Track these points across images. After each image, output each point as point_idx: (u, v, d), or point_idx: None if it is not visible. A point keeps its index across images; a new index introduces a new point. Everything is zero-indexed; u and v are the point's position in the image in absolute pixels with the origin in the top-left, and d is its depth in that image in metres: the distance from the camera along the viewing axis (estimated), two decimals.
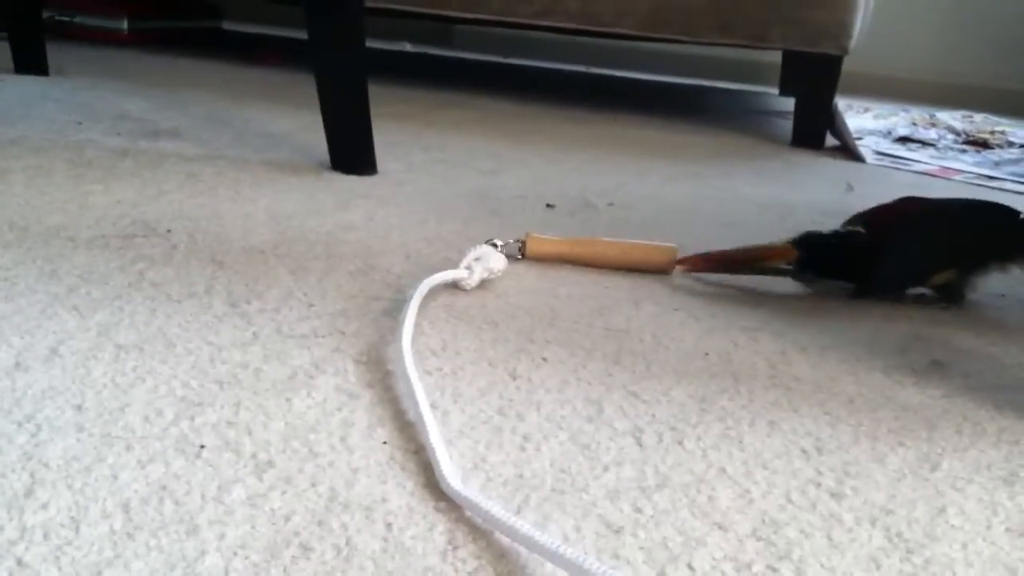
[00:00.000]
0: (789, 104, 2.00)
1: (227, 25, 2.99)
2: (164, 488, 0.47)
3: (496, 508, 0.46)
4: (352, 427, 0.55)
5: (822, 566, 0.46)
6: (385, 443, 0.54)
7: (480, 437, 0.56)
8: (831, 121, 1.87)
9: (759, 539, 0.48)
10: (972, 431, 0.62)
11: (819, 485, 0.54)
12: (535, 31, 2.08)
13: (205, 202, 1.00)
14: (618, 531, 0.47)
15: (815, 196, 1.35)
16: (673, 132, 1.87)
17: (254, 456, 0.51)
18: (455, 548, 0.45)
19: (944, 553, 0.48)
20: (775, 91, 2.61)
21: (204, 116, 1.50)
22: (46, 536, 0.43)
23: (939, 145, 1.95)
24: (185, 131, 1.37)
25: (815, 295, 0.89)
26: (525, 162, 1.41)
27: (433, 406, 0.59)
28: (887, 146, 1.89)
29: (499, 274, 0.83)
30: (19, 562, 0.41)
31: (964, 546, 0.49)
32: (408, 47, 3.08)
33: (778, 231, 0.99)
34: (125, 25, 2.44)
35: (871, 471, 0.56)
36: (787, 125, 1.92)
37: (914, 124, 2.15)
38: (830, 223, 0.92)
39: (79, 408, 0.55)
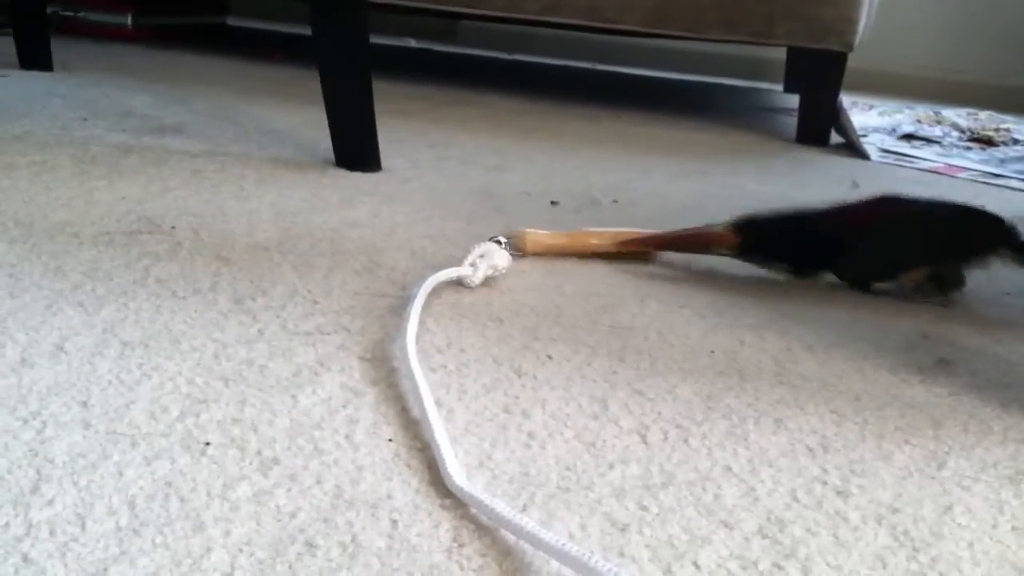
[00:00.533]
0: (794, 101, 1.99)
1: (232, 21, 2.99)
2: (170, 485, 0.47)
3: (501, 505, 0.46)
4: (357, 424, 0.55)
5: (828, 564, 0.46)
6: (390, 440, 0.54)
7: (485, 435, 0.56)
8: (836, 118, 1.87)
9: (765, 537, 0.48)
10: (978, 429, 0.62)
11: (825, 483, 0.54)
12: (540, 27, 2.08)
13: (210, 198, 1.00)
14: (624, 529, 0.47)
15: (820, 193, 1.34)
16: (678, 129, 1.87)
17: (259, 453, 0.51)
18: (460, 545, 0.45)
19: (950, 551, 0.48)
20: (780, 88, 2.61)
21: (209, 112, 1.50)
22: (52, 532, 0.43)
23: (944, 142, 1.95)
24: (190, 127, 1.37)
25: (822, 293, 0.89)
26: (530, 159, 1.41)
27: (438, 403, 0.59)
28: (892, 143, 1.89)
29: (503, 271, 0.83)
30: (25, 558, 0.41)
31: (970, 545, 0.49)
32: (413, 43, 3.08)
33: None
34: (130, 21, 2.44)
35: (877, 469, 0.56)
36: (792, 122, 1.91)
37: (919, 121, 2.15)
38: None
39: (85, 404, 0.55)
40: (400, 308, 0.74)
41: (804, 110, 1.86)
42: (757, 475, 0.54)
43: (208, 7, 2.85)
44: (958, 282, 0.91)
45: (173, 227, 0.89)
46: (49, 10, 1.79)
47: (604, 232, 0.94)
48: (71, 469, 0.48)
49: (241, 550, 0.43)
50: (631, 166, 1.42)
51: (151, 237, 0.86)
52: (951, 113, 2.27)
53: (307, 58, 1.42)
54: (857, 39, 1.76)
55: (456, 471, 0.50)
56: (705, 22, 1.80)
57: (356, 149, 1.22)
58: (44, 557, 0.41)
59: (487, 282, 0.82)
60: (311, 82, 1.26)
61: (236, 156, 1.22)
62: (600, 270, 0.89)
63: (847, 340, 0.77)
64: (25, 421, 0.52)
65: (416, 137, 1.48)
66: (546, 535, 0.43)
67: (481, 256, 0.82)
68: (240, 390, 0.58)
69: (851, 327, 0.80)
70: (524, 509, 0.48)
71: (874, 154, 1.75)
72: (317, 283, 0.78)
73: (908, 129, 2.04)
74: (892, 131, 2.02)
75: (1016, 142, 2.00)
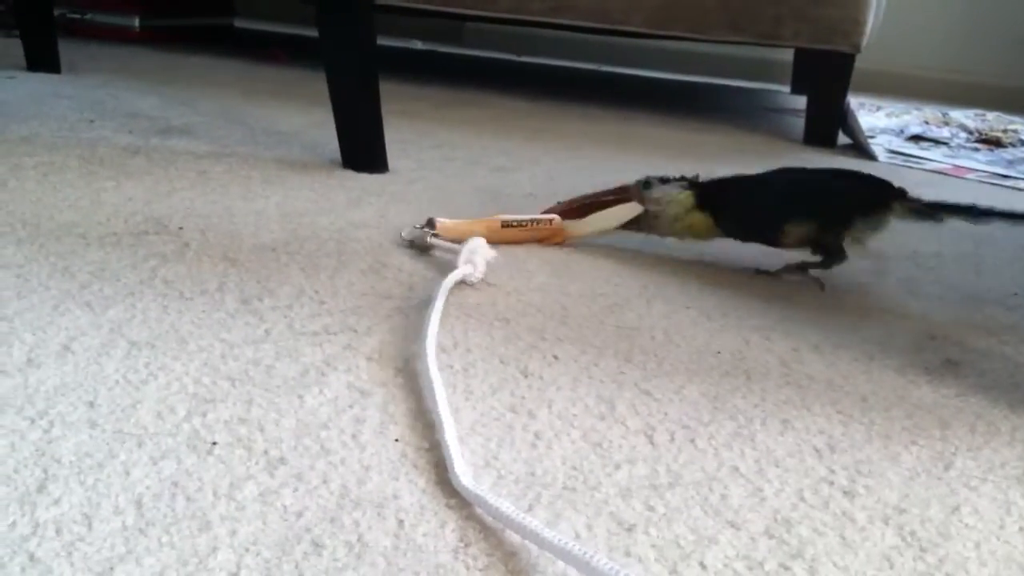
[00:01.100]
0: (801, 102, 1.99)
1: (239, 23, 3.00)
2: (176, 484, 0.48)
3: (507, 506, 0.46)
4: (364, 424, 0.55)
5: (835, 565, 0.46)
6: (397, 440, 0.54)
7: (492, 435, 0.56)
8: (843, 119, 1.87)
9: (771, 537, 0.48)
10: (986, 430, 0.62)
11: (832, 484, 0.53)
12: (546, 29, 2.08)
13: (217, 199, 1.00)
14: (630, 529, 0.47)
15: None
16: (685, 130, 1.87)
17: (266, 453, 0.51)
18: (466, 545, 0.45)
19: (958, 552, 0.48)
20: (787, 89, 2.61)
21: (215, 113, 1.51)
22: (58, 532, 0.43)
23: (952, 143, 1.94)
24: (197, 128, 1.37)
25: (828, 295, 0.89)
26: (536, 160, 1.41)
27: None
28: (899, 144, 1.88)
29: (493, 262, 0.83)
30: (31, 557, 0.41)
31: (977, 545, 0.49)
32: (419, 45, 3.08)
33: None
34: (137, 22, 2.44)
35: (884, 470, 0.56)
36: (799, 123, 1.91)
37: (926, 122, 2.15)
38: None
39: (91, 404, 0.55)
40: (407, 308, 0.74)
41: (811, 111, 1.86)
42: (764, 475, 0.54)
43: (215, 9, 2.85)
44: (838, 253, 0.91)
45: (180, 228, 0.89)
46: (56, 12, 1.80)
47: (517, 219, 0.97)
48: (78, 468, 0.48)
49: (247, 549, 0.43)
50: (637, 167, 1.41)
51: (158, 238, 0.86)
52: (959, 114, 2.27)
53: (313, 59, 1.42)
54: (865, 40, 1.76)
55: (463, 471, 0.50)
56: (711, 23, 1.80)
57: (363, 150, 1.22)
58: (51, 556, 0.41)
59: (493, 282, 0.82)
60: (317, 83, 1.26)
61: (243, 157, 1.22)
62: (606, 270, 0.89)
63: (854, 341, 0.77)
64: (32, 421, 0.52)
65: (422, 138, 1.48)
66: (552, 535, 0.43)
67: (472, 252, 0.82)
68: (247, 390, 0.58)
69: (858, 328, 0.80)
70: (530, 509, 0.48)
71: (881, 155, 1.75)
72: (324, 283, 0.78)
73: (916, 130, 2.04)
74: (900, 132, 2.02)
75: None
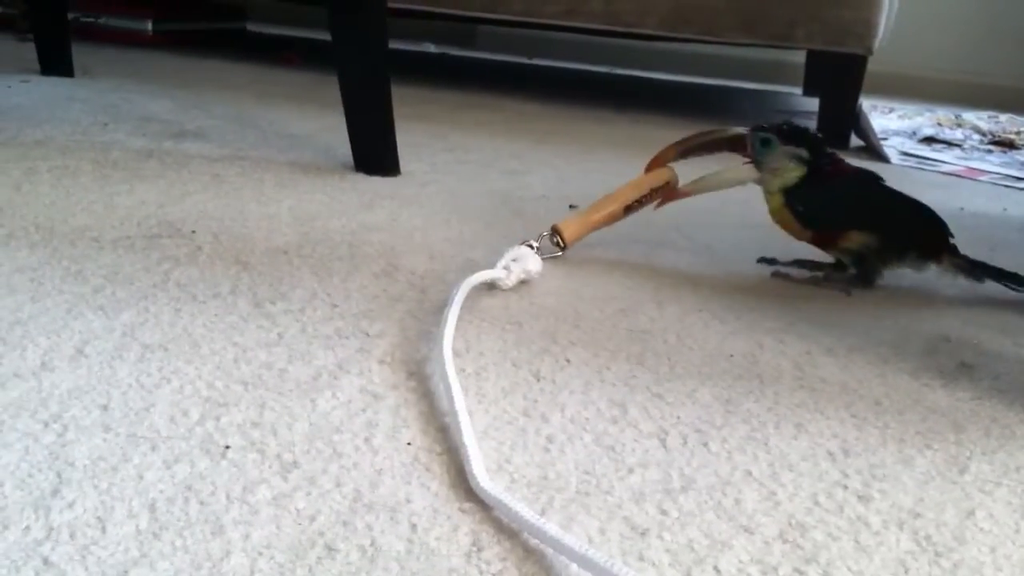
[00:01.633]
0: (813, 104, 1.99)
1: (251, 26, 3.00)
2: (189, 488, 0.48)
3: (525, 509, 0.46)
4: (376, 428, 0.55)
5: (849, 570, 0.45)
6: (409, 444, 0.54)
7: (504, 438, 0.56)
8: (856, 121, 1.86)
9: (785, 542, 0.47)
10: (1001, 434, 0.62)
11: (846, 488, 0.53)
12: (558, 31, 2.08)
13: (229, 203, 1.01)
14: (643, 533, 0.47)
15: None
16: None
17: (279, 456, 0.51)
18: (480, 550, 0.45)
19: (973, 557, 0.47)
20: (799, 91, 2.60)
21: (228, 117, 1.51)
22: (72, 536, 0.43)
23: (965, 146, 1.94)
24: (210, 132, 1.37)
25: (842, 297, 0.89)
26: (548, 163, 1.41)
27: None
28: (912, 146, 1.88)
29: (535, 276, 0.83)
30: (45, 561, 0.41)
31: (993, 550, 0.48)
32: (431, 48, 3.09)
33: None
34: (150, 26, 2.45)
35: (899, 474, 0.55)
36: (811, 125, 1.91)
37: (939, 124, 2.14)
38: None
39: (105, 408, 0.55)
40: (419, 311, 0.74)
41: (824, 113, 1.85)
42: (778, 479, 0.53)
43: (227, 13, 2.86)
44: (876, 273, 0.92)
45: (193, 231, 0.89)
46: (70, 16, 1.80)
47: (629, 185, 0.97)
48: (91, 472, 0.48)
49: (261, 553, 0.43)
50: None
51: (171, 241, 0.86)
52: (971, 116, 2.26)
53: (326, 63, 1.42)
54: (877, 42, 1.75)
55: (481, 474, 0.50)
56: (724, 25, 1.80)
57: (375, 153, 1.22)
58: (64, 560, 0.41)
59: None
60: (330, 87, 1.26)
61: (256, 160, 1.22)
62: (618, 273, 0.89)
63: (868, 344, 0.76)
64: (46, 424, 0.52)
65: (434, 141, 1.48)
66: (570, 540, 0.43)
67: (514, 259, 0.82)
68: (259, 394, 0.58)
69: (872, 330, 0.80)
70: (543, 513, 0.48)
71: (894, 157, 1.74)
72: (336, 287, 0.78)
73: (928, 132, 2.03)
74: (912, 134, 2.01)
75: None
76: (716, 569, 0.45)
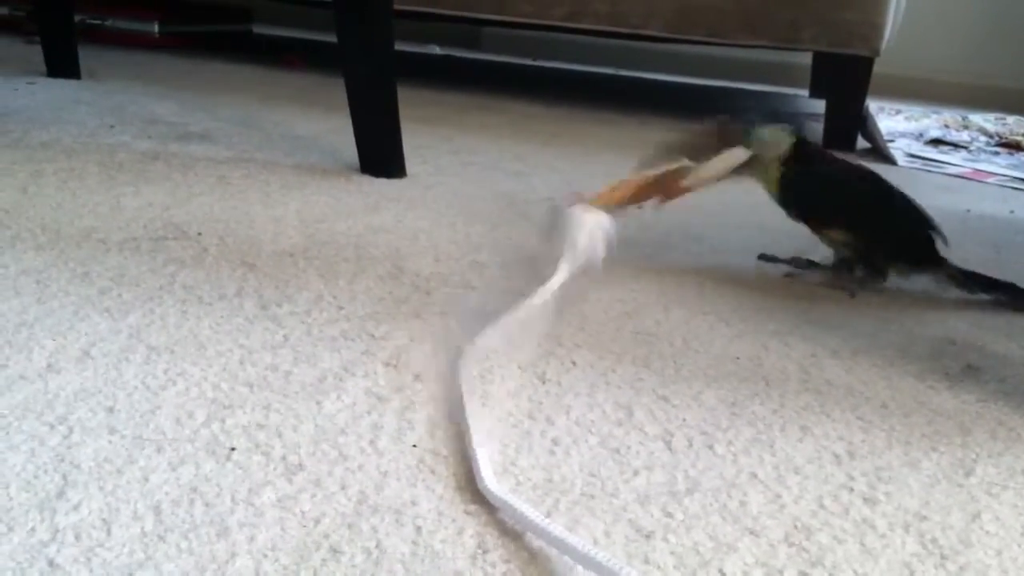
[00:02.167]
0: (820, 106, 1.98)
1: (257, 29, 3.01)
2: (195, 490, 0.48)
3: (532, 511, 0.46)
4: (381, 430, 0.55)
5: (855, 572, 0.45)
6: (415, 446, 0.54)
7: (509, 440, 0.56)
8: (862, 123, 1.86)
9: (791, 545, 0.47)
10: (1007, 436, 0.62)
11: (852, 490, 0.53)
12: (564, 33, 2.08)
13: (235, 205, 1.01)
14: (648, 536, 0.47)
15: None
16: None
17: (284, 459, 0.51)
18: (484, 552, 0.45)
19: (979, 560, 0.47)
20: (805, 93, 2.59)
21: (234, 119, 1.51)
22: (78, 537, 0.43)
23: (971, 147, 1.93)
24: (215, 134, 1.37)
25: (847, 300, 0.89)
26: (553, 165, 1.41)
27: None
28: (919, 148, 1.87)
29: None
30: (51, 563, 0.41)
31: (999, 552, 0.48)
32: (437, 50, 3.09)
33: (807, 235, 0.99)
34: (156, 29, 2.45)
35: (904, 476, 0.55)
36: (818, 127, 1.91)
37: (946, 126, 2.14)
38: None
39: (111, 410, 0.55)
40: (425, 313, 0.74)
41: (830, 115, 1.85)
42: (783, 482, 0.53)
43: (233, 15, 2.86)
44: (882, 273, 0.92)
45: (199, 233, 0.89)
46: (76, 18, 1.80)
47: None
48: (97, 474, 0.48)
49: (266, 556, 0.43)
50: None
51: (177, 243, 0.86)
52: (978, 118, 2.25)
53: (331, 65, 1.43)
54: (883, 44, 1.75)
55: (489, 475, 0.50)
56: (730, 27, 1.79)
57: (381, 155, 1.22)
58: (70, 562, 0.41)
59: (510, 288, 0.82)
60: (336, 89, 1.26)
61: (261, 163, 1.22)
62: (624, 275, 0.89)
63: (873, 346, 0.76)
64: (52, 426, 0.53)
65: (440, 143, 1.48)
66: (574, 540, 0.43)
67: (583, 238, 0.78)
68: (265, 396, 0.58)
69: (877, 333, 0.80)
70: (548, 515, 0.48)
71: (901, 159, 1.74)
72: (342, 289, 0.78)
73: (935, 134, 2.03)
74: (919, 136, 2.01)
75: None
76: (721, 572, 0.45)
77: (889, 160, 1.72)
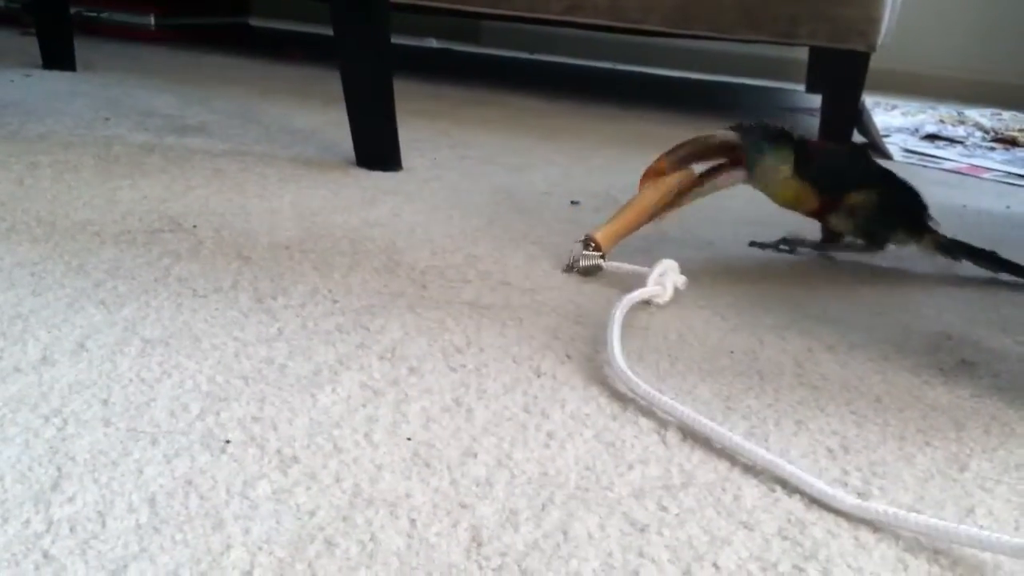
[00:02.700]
0: (816, 101, 1.99)
1: (254, 21, 3.00)
2: (190, 483, 0.48)
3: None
4: (376, 423, 0.55)
5: (849, 566, 0.45)
6: (409, 439, 0.54)
7: (504, 434, 0.56)
8: (858, 118, 1.86)
9: (785, 539, 0.47)
10: (1001, 431, 0.62)
11: (846, 485, 0.53)
12: (563, 27, 2.08)
13: (231, 198, 1.01)
14: (643, 529, 0.47)
15: None
16: (700, 129, 1.86)
17: (279, 451, 0.51)
18: (479, 545, 0.45)
19: (972, 554, 0.47)
20: (802, 88, 2.60)
21: (231, 112, 1.51)
22: (72, 530, 0.43)
23: (967, 143, 1.94)
24: (212, 127, 1.37)
25: (844, 293, 0.89)
26: (551, 159, 1.40)
27: (456, 403, 0.59)
28: (915, 144, 1.88)
29: (682, 288, 0.82)
30: (45, 555, 0.41)
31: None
32: (434, 43, 3.08)
33: (807, 230, 0.99)
34: (152, 21, 2.45)
35: (899, 471, 0.55)
36: (814, 122, 1.91)
37: (942, 122, 2.14)
38: None
39: (105, 402, 0.55)
40: (420, 307, 0.74)
41: (826, 110, 1.85)
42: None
43: (230, 8, 2.86)
44: (882, 242, 0.97)
45: (195, 226, 0.89)
46: (72, 10, 1.80)
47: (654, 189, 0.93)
48: (92, 466, 0.48)
49: (260, 548, 0.43)
50: None
51: (173, 236, 0.86)
52: (974, 113, 2.26)
53: (328, 58, 1.42)
54: (880, 39, 1.75)
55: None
56: (728, 22, 1.79)
57: (377, 149, 1.22)
58: (64, 554, 0.41)
59: (508, 281, 0.82)
60: (332, 82, 1.26)
61: (258, 156, 1.22)
62: (613, 270, 0.89)
63: (869, 341, 0.76)
64: (46, 418, 0.53)
65: (437, 137, 1.48)
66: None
67: (662, 274, 0.81)
68: (260, 388, 0.58)
69: (873, 327, 0.80)
70: (543, 509, 0.48)
71: (897, 154, 1.74)
72: (337, 282, 0.78)
73: (931, 129, 2.03)
74: (915, 131, 2.01)
75: None
76: (715, 566, 0.45)
77: (885, 155, 1.72)
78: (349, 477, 0.50)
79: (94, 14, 2.43)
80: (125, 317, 0.67)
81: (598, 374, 0.65)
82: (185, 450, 0.51)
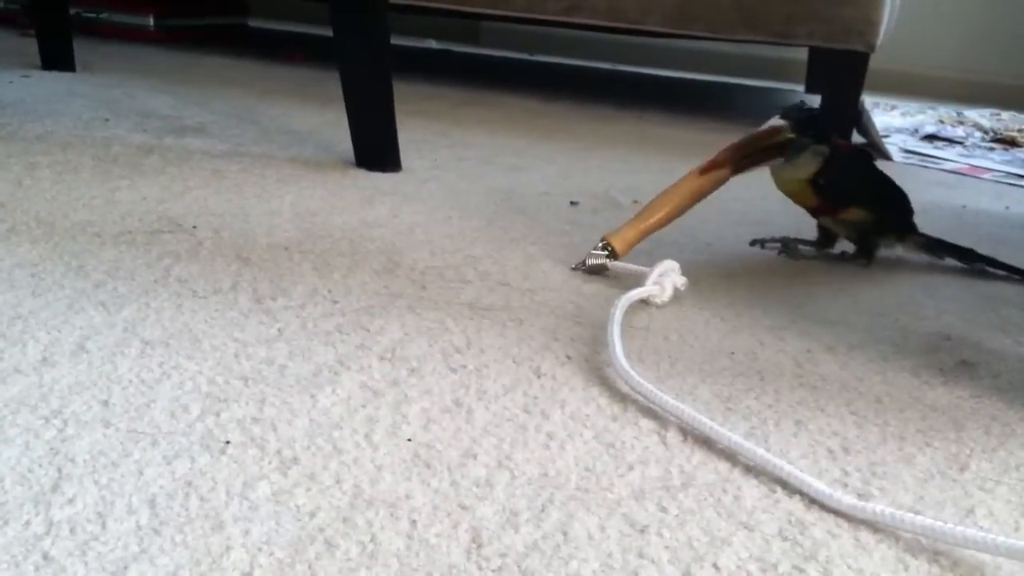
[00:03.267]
0: (815, 101, 1.98)
1: (253, 22, 3.00)
2: (190, 484, 0.48)
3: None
4: (376, 424, 0.55)
5: (849, 567, 0.45)
6: (410, 440, 0.54)
7: (505, 435, 0.56)
8: (857, 119, 1.86)
9: (785, 539, 0.47)
10: (1001, 432, 0.62)
11: (846, 485, 0.53)
12: (561, 28, 2.07)
13: (231, 198, 1.01)
14: (643, 530, 0.47)
15: None
16: (699, 130, 1.86)
17: (279, 452, 0.51)
18: (479, 546, 0.45)
19: (972, 555, 0.47)
20: (801, 88, 2.60)
21: (230, 113, 1.51)
22: (72, 531, 0.43)
23: (967, 143, 1.94)
24: (211, 128, 1.37)
25: (842, 294, 0.89)
26: (550, 159, 1.40)
27: (456, 403, 0.59)
28: (914, 144, 1.88)
29: (682, 289, 0.82)
30: (45, 556, 0.41)
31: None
32: (433, 44, 3.08)
33: (808, 230, 0.99)
34: (151, 22, 2.45)
35: (899, 472, 0.55)
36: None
37: (941, 122, 2.14)
38: None
39: (105, 404, 0.55)
40: (419, 308, 0.74)
41: (826, 110, 1.85)
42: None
43: (229, 8, 2.86)
44: (874, 249, 0.99)
45: (194, 227, 0.89)
46: (71, 11, 1.80)
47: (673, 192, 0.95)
48: (92, 468, 0.48)
49: (260, 549, 0.43)
50: (651, 167, 1.42)
51: (172, 237, 0.86)
52: (973, 113, 2.26)
53: (327, 59, 1.42)
54: (879, 39, 1.75)
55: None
56: (727, 22, 1.79)
57: (376, 149, 1.22)
58: (64, 555, 0.41)
59: (506, 282, 0.82)
60: (331, 83, 1.26)
61: (257, 156, 1.22)
62: (619, 271, 0.89)
63: (868, 341, 0.76)
64: (46, 419, 0.53)
65: (436, 137, 1.48)
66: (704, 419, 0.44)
67: (661, 274, 0.81)
68: (260, 389, 0.58)
69: (872, 328, 0.80)
70: (543, 510, 0.48)
71: (896, 154, 1.74)
72: (337, 283, 0.78)
73: (930, 130, 2.03)
74: (914, 132, 2.01)
75: None
76: (715, 566, 0.45)
77: (884, 156, 1.72)
78: (349, 478, 0.50)
79: (93, 15, 2.43)
80: (125, 318, 0.67)
81: (598, 375, 0.65)
82: (185, 451, 0.51)
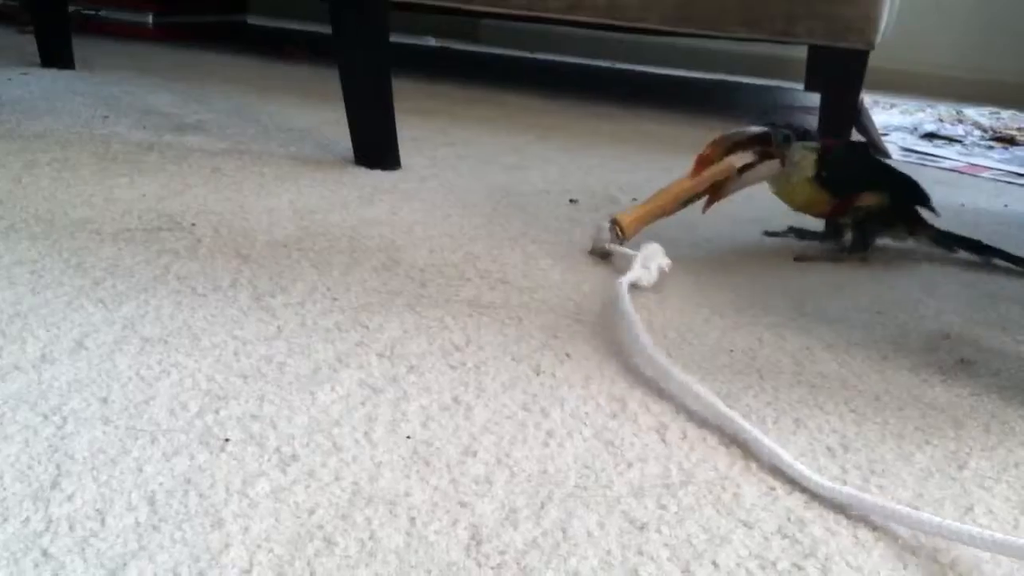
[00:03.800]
0: (815, 99, 1.98)
1: (252, 20, 3.00)
2: (189, 481, 0.48)
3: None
4: (376, 421, 0.55)
5: (848, 564, 0.46)
6: (409, 438, 0.54)
7: (504, 433, 0.56)
8: (857, 117, 1.86)
9: (784, 537, 0.47)
10: (1000, 430, 0.62)
11: (845, 483, 0.53)
12: (561, 26, 2.07)
13: (230, 196, 1.00)
14: (642, 528, 0.47)
15: None
16: (699, 128, 1.86)
17: (278, 450, 0.51)
18: (478, 543, 0.45)
19: (971, 552, 0.47)
20: (800, 87, 2.60)
21: (229, 111, 1.51)
22: (72, 528, 0.43)
23: (966, 142, 1.94)
24: (210, 125, 1.37)
25: (842, 292, 0.89)
26: (549, 157, 1.40)
27: (456, 401, 0.59)
28: (913, 142, 1.88)
29: (667, 271, 0.84)
30: (44, 553, 0.41)
31: None
32: (433, 42, 3.08)
33: (809, 227, 0.99)
34: (150, 19, 2.45)
35: (898, 469, 0.55)
36: (813, 120, 1.90)
37: (940, 120, 2.14)
38: None
39: (105, 401, 0.55)
40: (418, 305, 0.74)
41: (825, 108, 1.85)
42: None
43: (228, 6, 2.86)
44: (872, 237, 1.00)
45: (193, 224, 0.89)
46: (71, 9, 1.80)
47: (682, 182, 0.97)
48: (91, 465, 0.48)
49: (260, 546, 0.43)
50: (651, 165, 1.42)
51: (171, 234, 0.86)
52: (973, 112, 2.26)
53: (327, 57, 1.42)
54: (878, 37, 1.75)
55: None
56: (727, 21, 1.79)
57: (375, 147, 1.22)
58: (63, 552, 0.41)
59: (508, 280, 0.82)
60: (331, 81, 1.26)
61: (256, 154, 1.22)
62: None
63: (868, 339, 0.76)
64: (46, 417, 0.53)
65: (435, 135, 1.48)
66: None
67: (647, 258, 0.82)
68: (259, 387, 0.58)
69: (872, 326, 0.80)
70: (542, 507, 0.48)
71: (896, 153, 1.74)
72: (336, 280, 0.78)
73: (930, 128, 2.03)
74: (914, 130, 2.01)
75: None
76: (715, 564, 0.45)
77: (883, 153, 1.72)
78: (348, 475, 0.50)
79: (92, 12, 2.43)
80: (124, 315, 0.67)
81: (598, 372, 0.65)
82: (184, 448, 0.51)
